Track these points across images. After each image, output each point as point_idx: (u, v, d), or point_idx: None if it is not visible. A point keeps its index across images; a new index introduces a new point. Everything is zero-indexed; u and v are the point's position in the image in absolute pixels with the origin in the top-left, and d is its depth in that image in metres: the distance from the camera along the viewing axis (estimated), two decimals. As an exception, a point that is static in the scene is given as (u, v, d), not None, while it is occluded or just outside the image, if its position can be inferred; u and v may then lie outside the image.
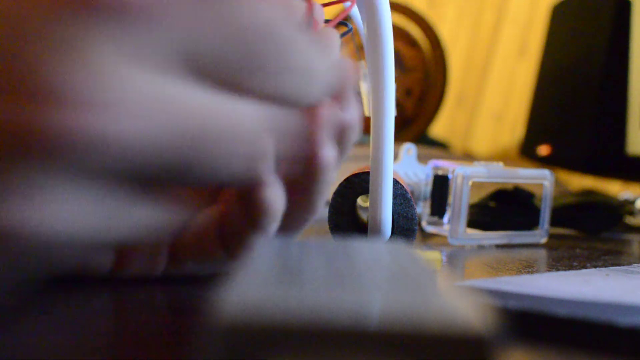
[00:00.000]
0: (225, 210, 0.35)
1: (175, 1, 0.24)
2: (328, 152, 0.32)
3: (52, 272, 0.24)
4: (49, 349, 0.25)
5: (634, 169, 0.97)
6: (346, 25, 0.34)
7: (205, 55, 0.25)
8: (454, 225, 0.59)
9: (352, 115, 0.34)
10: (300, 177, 0.33)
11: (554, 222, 0.71)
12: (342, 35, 0.35)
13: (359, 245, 0.27)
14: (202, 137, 0.24)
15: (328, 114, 0.32)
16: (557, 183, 0.86)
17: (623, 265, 0.49)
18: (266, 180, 0.30)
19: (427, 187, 0.64)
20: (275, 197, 0.31)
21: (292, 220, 0.35)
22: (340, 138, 0.34)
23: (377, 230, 0.46)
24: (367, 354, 0.16)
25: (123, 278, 0.36)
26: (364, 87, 0.58)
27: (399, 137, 0.74)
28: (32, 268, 0.23)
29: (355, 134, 0.35)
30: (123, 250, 0.35)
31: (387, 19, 0.44)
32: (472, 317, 0.16)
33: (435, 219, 0.64)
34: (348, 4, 0.36)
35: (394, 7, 1.06)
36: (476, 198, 0.66)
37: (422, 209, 0.65)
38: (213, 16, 0.25)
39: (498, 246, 0.62)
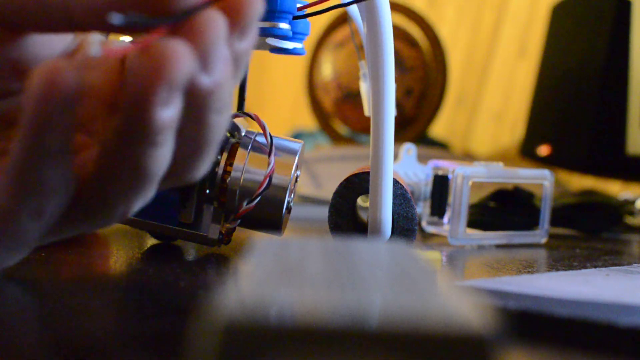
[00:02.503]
0: None
1: None
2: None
3: None
4: (49, 348, 0.25)
5: (634, 169, 0.96)
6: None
7: None
8: (454, 225, 0.59)
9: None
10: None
11: (554, 222, 0.71)
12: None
13: (359, 245, 0.27)
14: None
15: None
16: (557, 183, 0.86)
17: (623, 265, 0.49)
18: None
19: (427, 187, 0.64)
20: None
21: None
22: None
23: (377, 230, 0.46)
24: (367, 354, 0.16)
25: None
26: (364, 87, 0.58)
27: (399, 137, 0.74)
28: None
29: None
30: None
31: (387, 19, 0.44)
32: (472, 317, 0.16)
33: (435, 219, 0.64)
34: None
35: (394, 7, 1.06)
36: (476, 198, 0.66)
37: (422, 209, 0.65)
38: None
39: (498, 246, 0.62)
